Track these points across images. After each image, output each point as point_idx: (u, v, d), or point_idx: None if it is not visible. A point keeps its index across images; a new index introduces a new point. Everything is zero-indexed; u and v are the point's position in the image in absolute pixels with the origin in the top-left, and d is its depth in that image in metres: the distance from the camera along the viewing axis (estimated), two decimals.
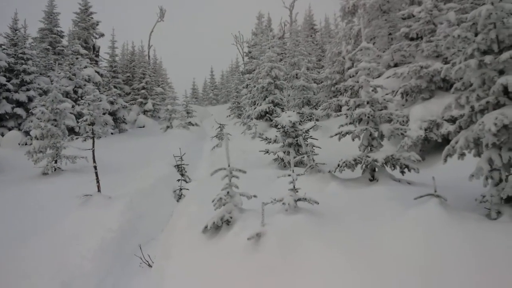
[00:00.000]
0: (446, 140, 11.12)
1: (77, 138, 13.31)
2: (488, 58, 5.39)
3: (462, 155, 5.94)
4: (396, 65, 16.45)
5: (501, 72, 5.49)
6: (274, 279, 4.86)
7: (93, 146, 10.97)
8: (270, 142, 13.08)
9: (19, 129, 19.70)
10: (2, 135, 18.86)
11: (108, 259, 7.36)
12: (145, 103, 32.19)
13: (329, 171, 8.85)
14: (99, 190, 10.18)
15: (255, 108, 22.28)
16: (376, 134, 8.53)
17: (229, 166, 6.56)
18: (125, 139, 21.97)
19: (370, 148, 8.61)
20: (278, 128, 12.89)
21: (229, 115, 32.85)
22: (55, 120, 14.23)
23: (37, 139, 13.65)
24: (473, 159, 6.02)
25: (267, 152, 12.93)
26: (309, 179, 8.58)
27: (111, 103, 24.41)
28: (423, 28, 13.80)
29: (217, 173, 6.60)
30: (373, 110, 8.41)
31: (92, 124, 11.64)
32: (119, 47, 37.12)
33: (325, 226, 5.57)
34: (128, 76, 33.99)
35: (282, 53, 30.09)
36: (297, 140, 12.41)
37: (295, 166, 10.70)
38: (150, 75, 33.87)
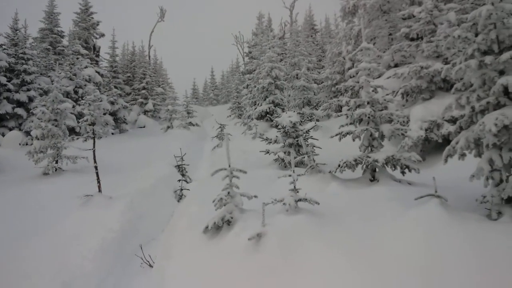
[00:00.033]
0: (446, 140, 11.12)
1: (77, 138, 13.31)
2: (488, 59, 5.40)
3: (462, 155, 5.94)
4: (396, 66, 16.45)
5: (502, 73, 5.49)
6: (275, 279, 4.87)
7: (94, 146, 10.98)
8: (271, 142, 13.08)
9: (19, 129, 19.71)
10: (3, 135, 18.87)
11: (109, 259, 7.37)
12: (146, 103, 32.20)
13: (330, 172, 8.86)
14: (99, 190, 10.19)
15: (255, 109, 22.29)
16: (376, 134, 8.53)
17: (229, 166, 6.56)
18: (125, 139, 21.98)
19: (371, 149, 8.61)
20: (279, 129, 12.90)
21: (230, 115, 32.86)
22: (55, 120, 14.24)
23: (38, 139, 13.66)
24: (473, 159, 6.02)
25: (268, 152, 12.93)
26: (309, 180, 8.59)
27: (112, 103, 24.43)
28: (423, 29, 13.81)
29: (217, 173, 6.61)
30: (373, 110, 8.41)
31: (93, 124, 11.64)
32: (120, 47, 37.22)
33: (325, 227, 5.57)
34: (129, 76, 34.01)
35: (282, 54, 30.10)
36: (297, 141, 12.41)
37: (295, 166, 10.71)
38: (151, 75, 33.88)
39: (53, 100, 14.20)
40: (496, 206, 5.36)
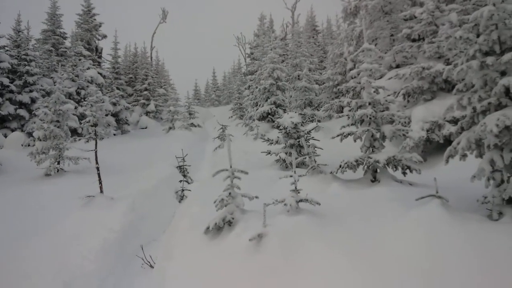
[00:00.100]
0: (448, 141, 11.10)
1: (79, 139, 13.35)
2: (490, 59, 5.39)
3: (464, 156, 5.93)
4: (398, 66, 16.44)
5: (503, 73, 5.49)
6: (276, 280, 4.87)
7: (96, 147, 11.00)
8: (272, 143, 13.09)
9: (22, 130, 19.77)
10: (5, 136, 18.92)
11: (110, 260, 7.38)
12: (148, 104, 32.25)
13: (331, 172, 8.85)
14: (101, 191, 10.21)
15: (257, 109, 22.29)
16: (378, 135, 8.52)
17: (231, 167, 6.57)
18: (127, 140, 22.02)
19: (372, 149, 8.60)
20: (280, 129, 12.90)
21: (231, 116, 32.89)
22: (58, 121, 14.28)
23: (40, 140, 13.70)
24: (474, 160, 6.01)
25: (269, 153, 12.94)
26: (310, 180, 8.58)
27: (114, 104, 24.48)
28: (425, 29, 13.80)
29: (219, 174, 6.62)
30: (375, 111, 8.41)
31: (95, 125, 11.67)
32: (122, 48, 37.22)
33: (326, 227, 5.57)
34: (131, 78, 34.07)
35: (284, 54, 30.10)
36: (299, 141, 12.41)
37: (297, 167, 10.71)
38: (153, 76, 33.94)
39: (55, 101, 14.25)
40: (497, 207, 5.35)
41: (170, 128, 26.52)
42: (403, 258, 4.51)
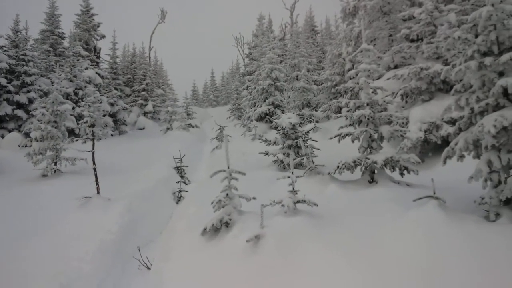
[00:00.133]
0: (445, 142, 11.10)
1: (77, 140, 13.27)
2: (488, 60, 5.39)
3: (461, 157, 5.93)
4: (396, 67, 16.45)
5: (501, 74, 5.48)
6: (273, 281, 4.86)
7: (93, 148, 10.96)
8: (270, 144, 13.07)
9: (19, 131, 19.69)
10: (2, 136, 18.85)
11: (107, 261, 7.34)
12: (146, 105, 32.19)
13: (329, 173, 8.84)
14: (98, 192, 10.17)
15: (255, 110, 22.27)
16: (375, 135, 8.52)
17: (228, 168, 6.55)
18: (125, 141, 21.98)
19: (370, 150, 8.60)
20: (278, 130, 12.88)
21: (229, 117, 32.87)
22: (55, 122, 14.23)
23: (37, 141, 13.65)
24: (472, 161, 6.01)
25: (267, 154, 12.92)
26: (308, 181, 8.58)
27: (112, 104, 24.41)
28: (423, 30, 13.80)
29: (216, 175, 6.60)
30: (373, 111, 8.40)
31: (92, 126, 11.63)
32: (120, 48, 37.29)
33: (324, 228, 5.56)
34: (129, 78, 34.01)
35: (282, 55, 30.09)
36: (296, 142, 12.40)
37: (294, 168, 10.68)
38: (151, 76, 33.88)
39: (53, 102, 14.20)
40: (494, 208, 5.35)
41: (168, 128, 26.47)
42: (402, 258, 4.51)
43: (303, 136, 12.41)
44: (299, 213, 6.02)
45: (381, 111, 8.60)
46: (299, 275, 4.77)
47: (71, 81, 22.77)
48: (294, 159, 10.79)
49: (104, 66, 30.42)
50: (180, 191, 12.33)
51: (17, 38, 21.82)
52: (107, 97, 24.12)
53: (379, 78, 15.76)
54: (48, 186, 11.97)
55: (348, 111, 8.97)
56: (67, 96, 21.49)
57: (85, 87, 22.59)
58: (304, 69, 21.63)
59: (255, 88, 23.12)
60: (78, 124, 14.25)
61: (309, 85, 21.51)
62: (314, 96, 22.05)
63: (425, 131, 11.51)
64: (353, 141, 8.61)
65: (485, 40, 5.58)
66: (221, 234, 6.39)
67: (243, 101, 26.75)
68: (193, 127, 26.74)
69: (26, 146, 17.47)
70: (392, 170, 8.17)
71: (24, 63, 20.98)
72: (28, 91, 20.65)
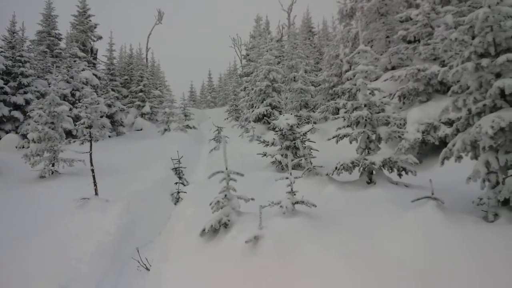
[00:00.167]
0: (443, 142, 11.14)
1: (74, 141, 13.24)
2: (485, 61, 5.42)
3: (459, 157, 5.95)
4: (393, 68, 16.49)
5: (498, 75, 5.51)
6: (272, 281, 4.86)
7: (91, 149, 10.94)
8: (268, 145, 13.08)
9: (16, 132, 19.65)
10: (0, 138, 18.81)
11: (105, 262, 7.33)
12: (143, 106, 32.16)
13: (327, 174, 8.86)
14: (96, 193, 10.15)
15: (253, 111, 22.29)
16: (373, 136, 8.54)
17: (226, 169, 6.56)
18: (122, 142, 21.95)
19: (368, 151, 8.62)
20: (276, 131, 12.90)
21: (227, 118, 32.87)
22: (52, 123, 14.20)
23: (35, 142, 13.62)
24: (470, 161, 6.03)
25: (265, 155, 12.93)
26: (306, 182, 8.59)
27: (109, 106, 24.36)
28: (420, 31, 13.84)
29: (214, 176, 6.61)
30: (370, 113, 8.42)
31: (90, 127, 11.61)
32: (117, 49, 37.17)
33: (322, 229, 5.57)
34: (126, 79, 33.97)
35: (280, 56, 30.13)
36: (294, 143, 12.41)
37: (292, 169, 10.70)
38: (148, 77, 33.85)
39: (50, 103, 14.17)
40: (492, 208, 5.37)
41: (165, 129, 26.44)
42: (400, 258, 4.52)
43: (301, 137, 12.43)
44: (298, 214, 6.03)
45: (378, 112, 8.62)
46: (297, 276, 4.78)
47: (68, 82, 22.73)
48: (292, 160, 10.81)
49: (101, 67, 30.39)
50: (178, 192, 12.32)
51: (13, 39, 21.77)
52: (104, 98, 24.08)
53: (376, 79, 15.79)
54: (46, 188, 11.95)
55: (345, 112, 8.99)
56: (64, 97, 21.45)
57: (82, 88, 22.56)
58: (301, 70, 21.67)
59: (252, 89, 23.14)
60: (75, 125, 14.23)
61: (307, 86, 21.55)
62: (311, 97, 22.09)
63: (423, 132, 11.55)
64: (351, 142, 8.63)
65: (482, 42, 5.61)
66: (220, 235, 6.39)
67: (241, 102, 26.76)
68: (190, 128, 26.72)
69: (23, 147, 17.47)
70: (390, 171, 8.19)
71: (20, 64, 20.94)
72: (25, 92, 20.61)
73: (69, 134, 19.06)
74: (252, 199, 6.54)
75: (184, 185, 13.37)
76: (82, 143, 12.32)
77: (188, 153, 17.39)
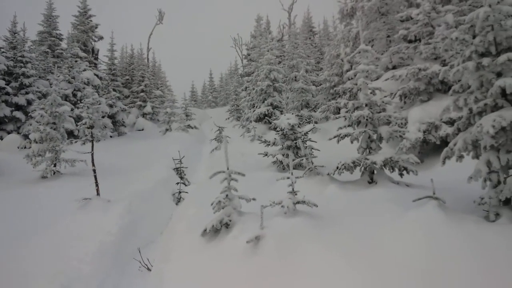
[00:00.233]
0: (444, 142, 11.12)
1: (76, 142, 13.29)
2: (486, 61, 5.41)
3: (460, 157, 5.95)
4: (394, 68, 16.47)
5: (499, 74, 5.50)
6: (273, 281, 4.87)
7: (92, 150, 10.96)
8: (269, 144, 13.08)
9: (18, 133, 19.69)
10: (1, 138, 18.85)
11: (107, 262, 7.35)
12: (144, 106, 32.19)
13: (328, 174, 8.86)
14: (98, 194, 10.17)
15: (254, 111, 22.30)
16: (374, 136, 8.54)
17: (228, 169, 6.56)
18: (124, 142, 21.97)
19: (369, 151, 8.61)
20: (277, 131, 12.90)
21: (228, 118, 32.87)
22: (54, 123, 14.23)
23: (36, 142, 13.65)
24: (471, 161, 6.03)
25: (266, 154, 12.93)
26: (308, 182, 8.59)
27: (110, 106, 24.38)
28: (421, 31, 13.83)
29: (216, 176, 6.61)
30: (371, 112, 8.42)
31: (91, 127, 11.63)
32: (118, 50, 37.13)
33: (324, 229, 5.57)
34: (127, 79, 34.01)
35: (281, 56, 30.12)
36: (296, 143, 12.42)
37: (294, 168, 10.69)
38: (149, 78, 33.88)
39: (51, 103, 14.20)
40: (494, 208, 5.36)
41: (166, 129, 26.47)
42: (401, 258, 4.52)
43: (302, 137, 12.43)
44: (299, 214, 6.03)
45: (379, 112, 8.62)
46: (298, 276, 4.78)
47: (69, 82, 22.77)
48: (293, 160, 10.81)
49: (102, 68, 30.45)
50: (179, 192, 12.34)
51: (15, 40, 21.80)
52: (106, 98, 24.10)
53: (377, 79, 15.79)
54: (47, 188, 11.98)
55: (346, 111, 8.99)
56: (65, 97, 21.49)
57: (84, 88, 22.59)
58: (302, 70, 21.67)
59: (253, 89, 23.15)
60: (77, 125, 14.25)
61: (308, 86, 21.55)
62: (312, 96, 22.10)
63: (424, 132, 11.54)
64: (352, 142, 8.63)
65: (482, 41, 5.61)
66: (221, 235, 6.40)
67: (242, 102, 26.77)
68: (192, 128, 26.75)
69: (25, 147, 17.51)
70: (391, 170, 8.19)
71: (22, 64, 20.98)
72: (27, 93, 20.64)
73: (70, 134, 19.10)
74: (254, 199, 6.54)
75: (186, 185, 13.38)
76: (84, 144, 12.34)
77: (190, 153, 17.40)
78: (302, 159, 10.66)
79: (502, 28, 5.45)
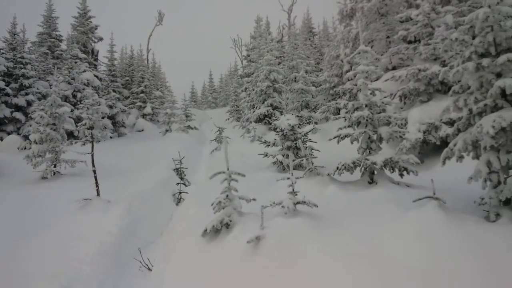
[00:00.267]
0: (444, 142, 11.13)
1: (76, 142, 13.29)
2: (485, 61, 5.42)
3: (460, 157, 5.96)
4: (394, 68, 16.48)
5: (499, 75, 5.51)
6: (274, 281, 4.87)
7: (92, 150, 10.96)
8: (269, 145, 13.09)
9: (18, 134, 19.69)
10: (1, 139, 18.85)
11: (107, 263, 7.35)
12: (144, 107, 32.20)
13: (328, 174, 8.86)
14: (98, 194, 10.17)
15: (254, 112, 22.31)
16: (374, 137, 8.55)
17: (228, 169, 6.57)
18: (124, 143, 21.97)
19: (369, 151, 8.62)
20: (277, 131, 12.91)
21: (228, 119, 32.89)
22: (54, 124, 14.23)
23: (36, 143, 13.65)
24: (471, 161, 6.04)
25: (266, 155, 12.93)
26: (308, 182, 8.59)
27: (110, 107, 24.38)
28: (421, 31, 13.84)
29: (216, 176, 6.62)
30: (371, 113, 8.43)
31: (91, 128, 11.63)
32: (118, 51, 37.14)
33: (324, 229, 5.57)
34: (127, 80, 34.02)
35: (280, 57, 30.14)
36: (296, 143, 12.42)
37: (294, 169, 10.70)
38: (149, 78, 33.89)
39: (51, 104, 14.20)
40: (494, 208, 5.37)
41: (166, 130, 26.47)
42: (401, 259, 4.52)
43: (302, 137, 12.43)
44: (299, 214, 6.03)
45: (379, 112, 8.63)
46: (299, 276, 4.78)
47: (69, 83, 22.78)
48: (293, 160, 10.81)
49: (102, 69, 30.46)
50: (180, 193, 12.35)
51: (14, 41, 21.81)
52: (106, 99, 24.09)
53: (377, 79, 15.79)
54: (47, 188, 11.98)
55: (346, 112, 8.99)
56: (65, 98, 21.49)
57: (84, 89, 22.59)
58: (302, 70, 21.68)
59: (253, 90, 23.16)
60: (77, 126, 14.26)
61: (308, 86, 21.56)
62: (312, 97, 22.11)
63: (424, 132, 11.55)
64: (352, 142, 8.64)
65: (482, 42, 5.62)
66: (222, 236, 6.40)
67: (242, 102, 26.78)
68: (192, 129, 26.76)
69: (25, 148, 17.51)
70: (391, 171, 8.20)
71: (22, 65, 20.98)
72: (27, 94, 20.65)
73: (70, 135, 19.10)
74: (254, 199, 6.54)
75: (186, 186, 13.39)
76: (84, 144, 12.35)
77: (190, 154, 17.41)
78: (302, 160, 10.67)
79: (502, 28, 5.46)
